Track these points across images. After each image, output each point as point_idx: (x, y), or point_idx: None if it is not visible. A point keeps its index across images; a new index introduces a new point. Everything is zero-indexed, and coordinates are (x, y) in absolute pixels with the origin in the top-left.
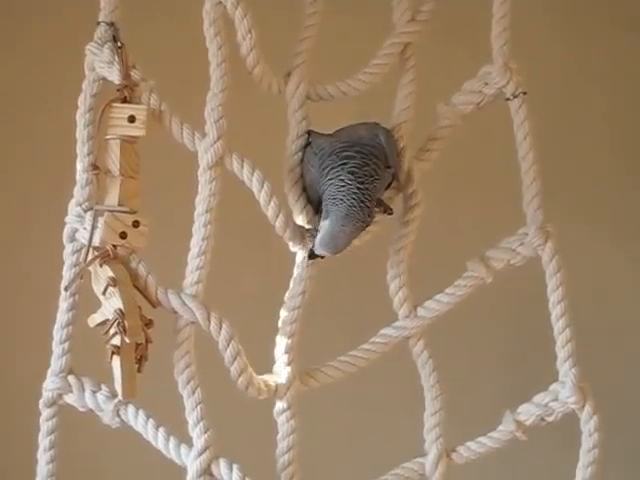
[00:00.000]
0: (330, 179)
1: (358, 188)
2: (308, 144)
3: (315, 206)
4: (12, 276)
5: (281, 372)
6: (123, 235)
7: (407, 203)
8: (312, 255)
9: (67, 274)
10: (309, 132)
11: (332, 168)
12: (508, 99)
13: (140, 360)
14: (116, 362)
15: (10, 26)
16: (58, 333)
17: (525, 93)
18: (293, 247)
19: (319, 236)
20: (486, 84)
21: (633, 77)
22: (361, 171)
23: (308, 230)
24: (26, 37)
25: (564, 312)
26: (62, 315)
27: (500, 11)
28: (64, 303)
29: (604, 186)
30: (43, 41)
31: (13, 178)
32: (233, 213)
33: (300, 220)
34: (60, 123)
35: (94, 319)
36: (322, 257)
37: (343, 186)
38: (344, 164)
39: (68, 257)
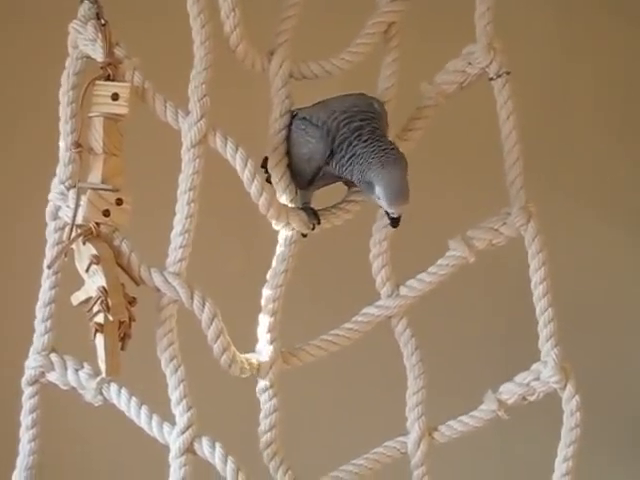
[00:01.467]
0: (354, 153)
1: (383, 142)
2: (295, 117)
3: (307, 179)
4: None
5: (264, 350)
6: (106, 213)
7: None
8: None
9: (50, 252)
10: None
11: (349, 142)
12: (492, 79)
13: (123, 338)
14: (100, 340)
15: None
16: (40, 311)
17: (509, 73)
18: (276, 225)
19: (385, 200)
20: (469, 64)
21: (617, 55)
22: (375, 134)
23: (296, 209)
24: (7, 29)
25: (546, 292)
26: (44, 293)
27: None
28: (47, 281)
29: (587, 162)
30: (27, 30)
31: None
32: (216, 191)
33: (283, 199)
34: (48, 105)
35: (77, 297)
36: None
37: (373, 148)
38: (359, 135)
39: (50, 235)
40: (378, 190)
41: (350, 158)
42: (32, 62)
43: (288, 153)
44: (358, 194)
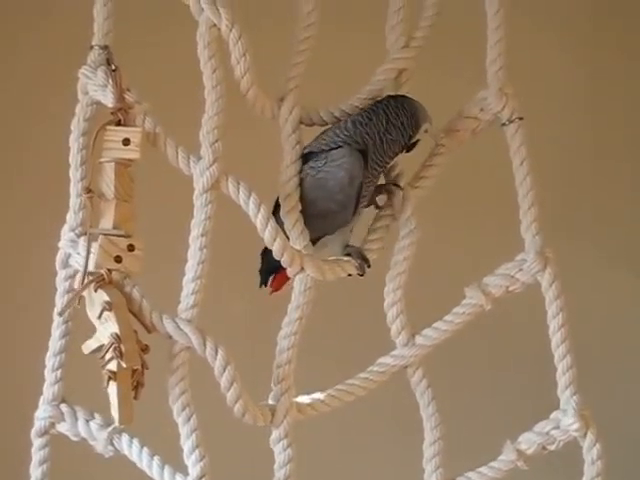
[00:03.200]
0: (388, 121)
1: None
2: (307, 162)
3: (351, 207)
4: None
5: (278, 399)
6: (118, 259)
7: (403, 230)
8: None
9: (60, 300)
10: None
11: (377, 122)
12: (504, 124)
13: (136, 386)
14: (112, 388)
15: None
16: (51, 360)
17: (521, 118)
18: (290, 272)
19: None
20: (482, 110)
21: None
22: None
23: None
24: (20, 65)
25: (564, 339)
26: (55, 342)
27: (495, 36)
28: (57, 330)
29: (603, 208)
30: (38, 67)
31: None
32: (228, 236)
33: (297, 245)
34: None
35: (89, 346)
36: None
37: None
38: (374, 113)
39: (61, 283)
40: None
41: (385, 131)
42: (46, 103)
43: (308, 201)
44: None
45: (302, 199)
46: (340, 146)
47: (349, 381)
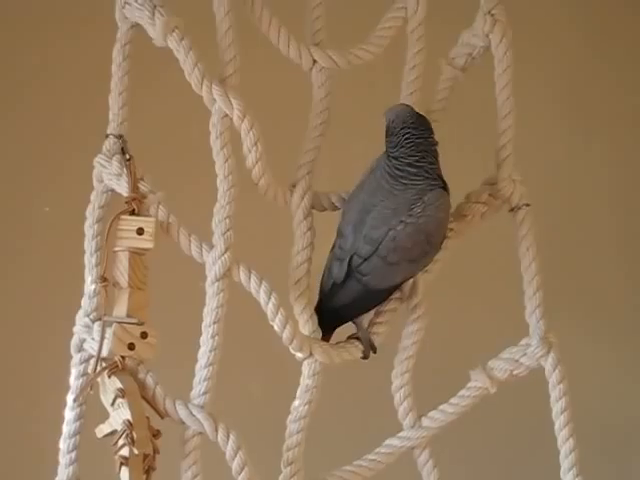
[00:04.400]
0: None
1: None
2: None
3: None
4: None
5: None
6: (131, 346)
7: (412, 314)
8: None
9: (75, 383)
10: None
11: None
12: (512, 210)
13: (148, 471)
14: (124, 473)
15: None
16: (65, 443)
17: (528, 205)
18: (299, 358)
19: None
20: (490, 195)
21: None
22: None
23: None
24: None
25: (567, 422)
26: (69, 425)
27: (505, 123)
28: (71, 413)
29: (607, 293)
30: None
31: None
32: (239, 321)
33: (305, 330)
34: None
35: (102, 430)
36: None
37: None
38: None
39: (75, 367)
40: None
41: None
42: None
43: (405, 248)
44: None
45: (397, 249)
46: (430, 189)
47: (356, 462)
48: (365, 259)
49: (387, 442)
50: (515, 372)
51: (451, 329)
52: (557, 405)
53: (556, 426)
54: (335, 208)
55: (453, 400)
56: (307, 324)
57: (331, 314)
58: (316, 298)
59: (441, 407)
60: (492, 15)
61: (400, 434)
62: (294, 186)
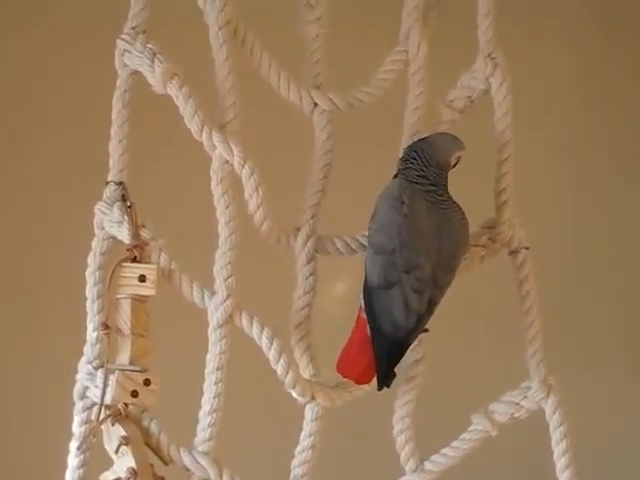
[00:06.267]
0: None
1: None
2: None
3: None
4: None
5: None
6: (135, 394)
7: (410, 358)
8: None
9: (78, 431)
10: None
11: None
12: (511, 253)
13: None
14: None
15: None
16: None
17: (527, 248)
18: (301, 401)
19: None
20: (489, 239)
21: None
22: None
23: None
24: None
25: (569, 464)
26: (73, 472)
27: (504, 166)
28: (75, 460)
29: (606, 333)
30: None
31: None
32: (242, 366)
33: (306, 374)
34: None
35: (106, 477)
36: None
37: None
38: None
39: (78, 414)
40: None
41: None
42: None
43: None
44: None
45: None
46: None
47: None
48: (441, 289)
49: None
50: (516, 415)
51: (451, 372)
52: (558, 447)
53: (557, 468)
54: (339, 253)
55: (455, 443)
56: (307, 367)
57: (403, 353)
58: (314, 342)
59: (443, 451)
60: (492, 58)
61: (402, 478)
62: (298, 230)
